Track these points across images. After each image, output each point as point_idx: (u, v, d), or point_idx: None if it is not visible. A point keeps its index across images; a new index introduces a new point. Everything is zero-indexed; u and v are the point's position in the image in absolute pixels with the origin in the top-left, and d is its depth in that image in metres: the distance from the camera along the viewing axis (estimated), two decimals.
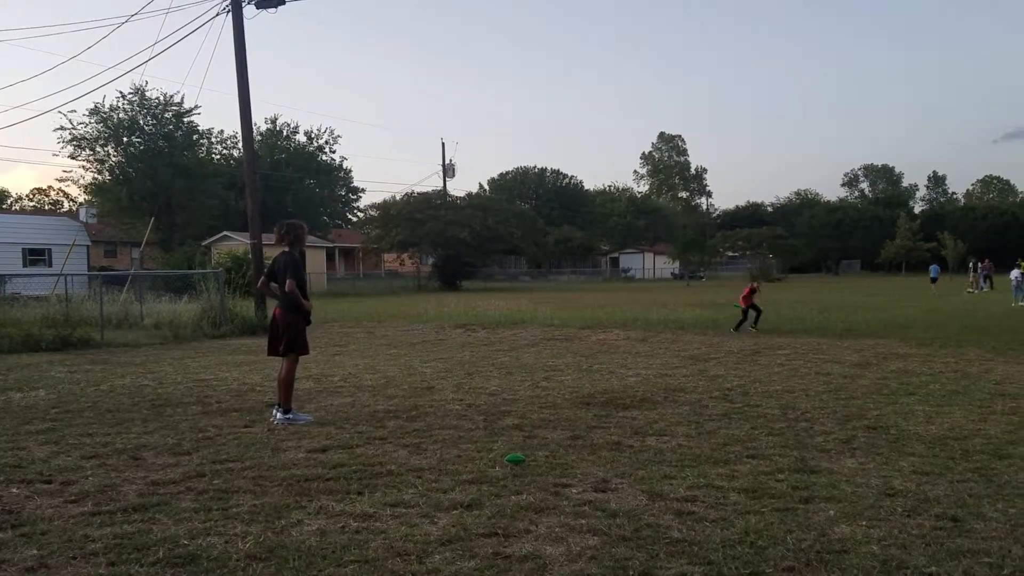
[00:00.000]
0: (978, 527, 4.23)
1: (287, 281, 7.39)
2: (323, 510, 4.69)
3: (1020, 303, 24.62)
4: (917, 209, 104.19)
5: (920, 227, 77.53)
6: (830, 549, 3.94)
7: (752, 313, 16.45)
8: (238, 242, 38.92)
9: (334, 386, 9.75)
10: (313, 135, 67.74)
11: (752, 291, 16.77)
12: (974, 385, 8.96)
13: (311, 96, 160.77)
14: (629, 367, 11.14)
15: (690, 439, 6.48)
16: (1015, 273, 26.97)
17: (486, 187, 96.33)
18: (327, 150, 68.25)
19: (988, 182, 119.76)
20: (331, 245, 60.36)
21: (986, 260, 40.92)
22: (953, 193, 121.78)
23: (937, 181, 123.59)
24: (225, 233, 45.01)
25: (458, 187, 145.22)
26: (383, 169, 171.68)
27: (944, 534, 4.13)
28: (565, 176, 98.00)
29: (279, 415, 7.40)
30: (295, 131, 67.08)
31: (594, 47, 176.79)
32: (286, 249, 7.62)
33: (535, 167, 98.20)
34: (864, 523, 4.32)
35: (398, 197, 52.70)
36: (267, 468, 5.70)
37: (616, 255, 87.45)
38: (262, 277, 7.96)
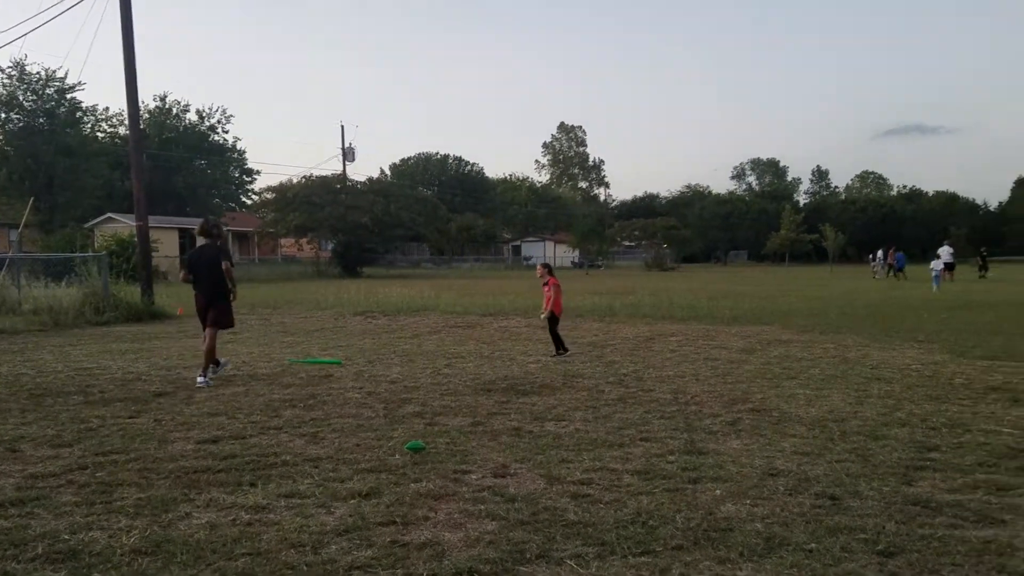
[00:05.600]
0: (855, 505, 4.46)
1: (223, 264, 8.89)
2: (213, 502, 4.55)
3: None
4: (802, 202, 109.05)
5: (804, 219, 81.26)
6: (716, 527, 4.11)
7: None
8: (123, 224, 37.05)
9: (226, 375, 9.44)
10: (204, 114, 65.18)
11: (552, 284, 11.00)
12: (851, 370, 9.46)
13: (203, 74, 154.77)
14: (530, 354, 11.26)
15: (587, 423, 6.61)
16: (937, 263, 28.57)
17: (387, 172, 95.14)
18: (219, 130, 65.85)
19: (865, 176, 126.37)
20: (224, 229, 58.33)
21: (892, 249, 43.08)
22: (835, 187, 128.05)
23: (820, 175, 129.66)
24: (109, 215, 42.79)
25: (358, 172, 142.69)
26: (280, 151, 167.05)
27: (823, 512, 4.35)
28: (467, 163, 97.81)
29: (202, 379, 8.60)
30: (185, 109, 64.37)
31: (496, 33, 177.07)
32: (206, 242, 8.99)
33: (437, 153, 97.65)
34: (748, 502, 4.51)
35: (295, 180, 51.43)
36: (153, 460, 5.49)
37: (518, 243, 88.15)
38: (183, 271, 9.26)
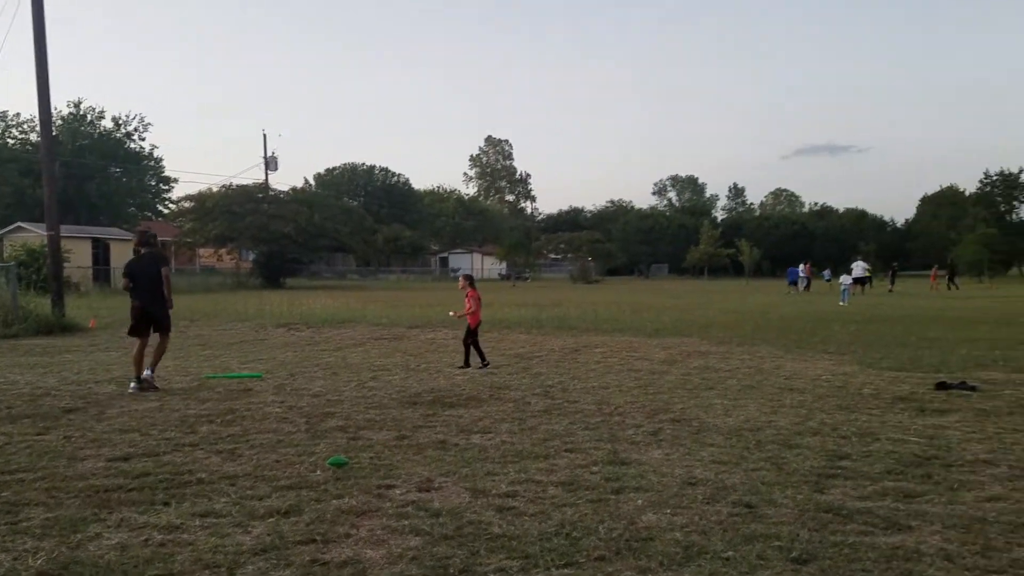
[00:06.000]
0: (770, 513, 4.58)
1: (162, 269, 9.33)
2: (124, 522, 4.39)
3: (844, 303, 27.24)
4: (719, 218, 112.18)
5: (721, 234, 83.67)
6: (638, 537, 4.17)
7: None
8: (34, 234, 35.44)
9: (132, 392, 9.11)
10: (121, 121, 63.17)
11: (471, 296, 11.30)
12: (766, 380, 9.75)
13: (120, 80, 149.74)
14: (457, 366, 11.22)
15: (513, 435, 6.63)
16: (846, 277, 30.69)
17: (312, 183, 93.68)
18: (136, 137, 63.90)
19: (778, 194, 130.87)
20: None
21: (808, 264, 44.51)
22: (751, 203, 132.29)
23: (737, 192, 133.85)
24: (19, 224, 40.85)
25: (282, 181, 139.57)
26: (199, 160, 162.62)
27: (740, 520, 4.45)
28: (394, 174, 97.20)
29: (148, 373, 9.10)
30: (101, 116, 62.30)
31: (424, 45, 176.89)
32: (142, 251, 9.34)
33: (364, 164, 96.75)
34: (669, 511, 4.59)
35: (215, 189, 50.15)
36: (62, 478, 5.26)
37: (445, 255, 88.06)
38: (125, 280, 9.47)
